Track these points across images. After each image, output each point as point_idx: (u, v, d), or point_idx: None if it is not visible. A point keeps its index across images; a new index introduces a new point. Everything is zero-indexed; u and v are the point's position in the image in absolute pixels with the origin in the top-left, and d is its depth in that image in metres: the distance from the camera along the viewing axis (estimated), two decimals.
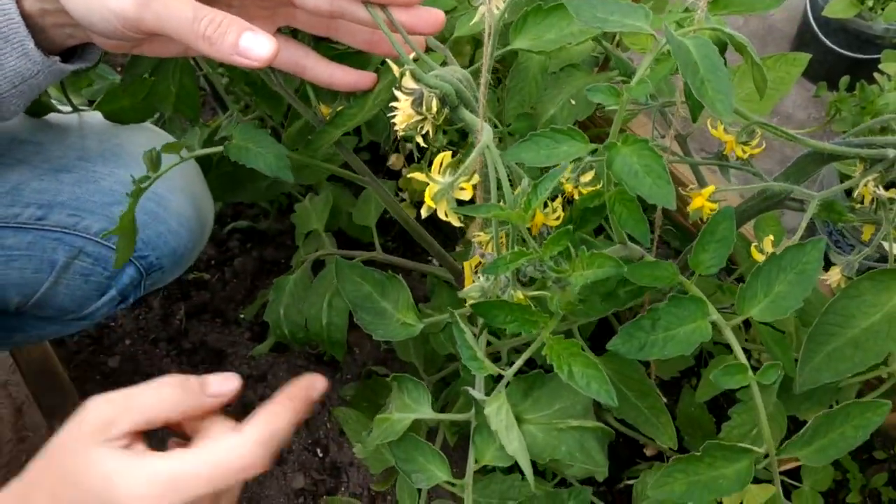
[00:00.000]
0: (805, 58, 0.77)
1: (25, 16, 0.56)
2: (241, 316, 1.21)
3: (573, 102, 0.72)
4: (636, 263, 0.57)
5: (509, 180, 0.50)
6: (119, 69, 1.38)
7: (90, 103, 0.86)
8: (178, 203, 0.81)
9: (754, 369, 0.55)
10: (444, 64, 0.57)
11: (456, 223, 0.49)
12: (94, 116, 0.84)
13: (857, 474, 0.98)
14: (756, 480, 0.61)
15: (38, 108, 0.80)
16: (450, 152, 0.49)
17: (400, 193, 1.14)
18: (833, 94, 0.95)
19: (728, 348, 0.83)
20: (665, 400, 0.72)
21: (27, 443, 1.16)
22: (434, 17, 0.56)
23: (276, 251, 1.27)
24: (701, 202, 0.64)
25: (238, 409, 1.14)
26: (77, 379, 1.13)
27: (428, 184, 0.49)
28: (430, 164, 1.06)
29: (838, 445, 0.54)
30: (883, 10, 1.45)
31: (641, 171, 0.49)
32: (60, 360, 1.07)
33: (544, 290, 0.51)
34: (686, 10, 0.66)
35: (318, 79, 0.63)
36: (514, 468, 0.83)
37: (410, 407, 0.60)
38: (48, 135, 0.80)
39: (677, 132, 0.73)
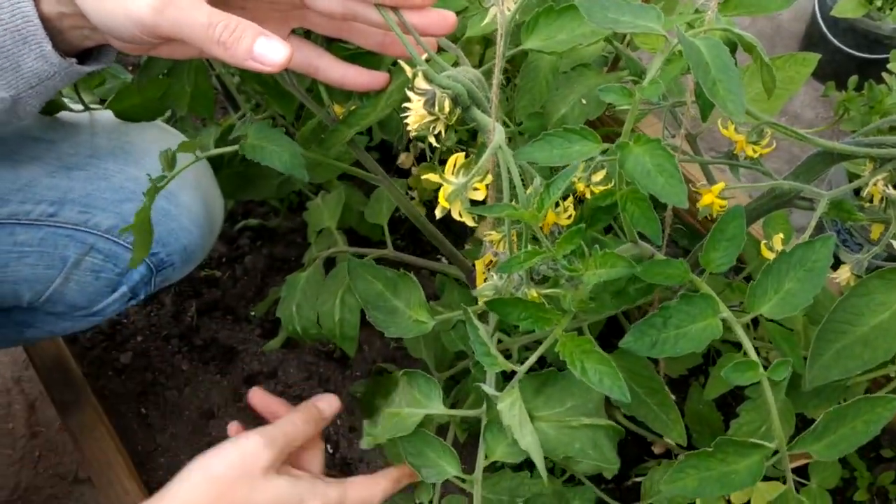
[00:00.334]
0: (814, 58, 0.77)
1: (44, 18, 0.56)
2: (252, 313, 1.22)
3: (584, 102, 0.73)
4: (647, 262, 0.58)
5: (521, 180, 0.50)
6: (131, 68, 1.39)
7: (101, 102, 0.87)
8: (188, 200, 0.81)
9: (764, 367, 0.55)
10: (455, 64, 0.57)
11: (470, 223, 0.49)
12: (105, 114, 0.85)
13: (865, 472, 0.98)
14: (765, 478, 0.61)
15: (51, 107, 0.81)
16: (463, 153, 0.50)
17: (409, 192, 1.14)
18: (841, 94, 0.95)
19: (736, 346, 0.83)
20: (674, 397, 0.73)
21: (40, 438, 1.17)
22: (446, 18, 0.57)
23: (286, 249, 1.28)
24: (711, 199, 0.65)
25: (250, 405, 1.15)
26: (90, 375, 1.15)
27: (439, 183, 0.50)
28: (440, 163, 1.07)
29: (849, 440, 0.55)
30: (891, 9, 1.45)
31: (654, 170, 0.50)
32: (73, 357, 1.07)
33: (557, 289, 0.52)
34: (696, 10, 0.66)
35: (331, 79, 0.64)
36: (523, 465, 0.83)
37: (421, 402, 0.60)
38: (60, 132, 0.81)
39: (687, 132, 0.74)
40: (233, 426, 0.76)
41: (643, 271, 0.54)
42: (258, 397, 0.77)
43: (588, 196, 0.63)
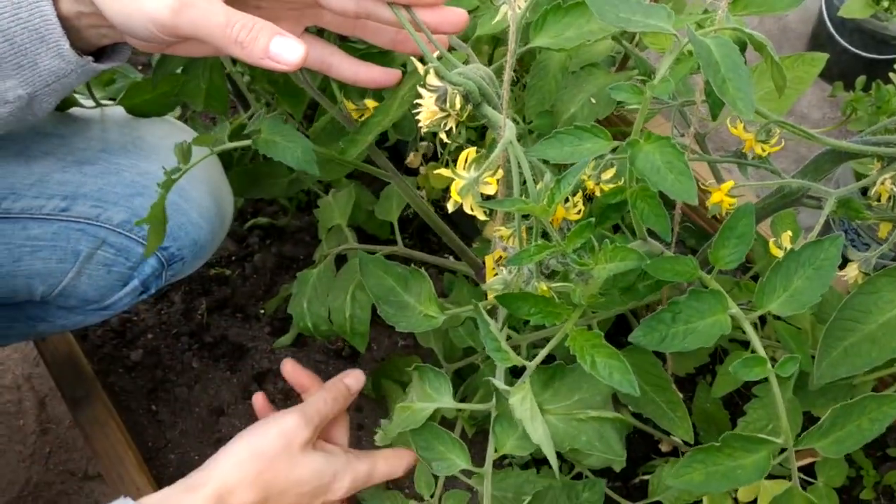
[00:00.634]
0: (823, 58, 0.78)
1: (62, 17, 0.57)
2: (262, 311, 1.22)
3: (593, 101, 0.73)
4: (657, 258, 0.58)
5: (532, 175, 0.51)
6: (140, 67, 1.40)
7: (111, 101, 0.88)
8: (199, 195, 0.82)
9: (771, 365, 0.56)
10: (466, 62, 0.58)
11: (482, 217, 0.50)
12: (116, 110, 0.85)
13: (871, 471, 0.98)
14: (771, 476, 0.61)
15: (63, 103, 0.82)
16: (474, 148, 0.50)
17: (418, 191, 1.15)
18: (849, 94, 0.96)
19: (744, 345, 0.84)
20: (681, 396, 0.73)
21: (50, 434, 1.18)
22: (458, 16, 0.57)
23: (294, 247, 1.29)
24: (720, 197, 0.65)
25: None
26: (100, 372, 1.15)
27: (447, 182, 0.50)
28: (448, 162, 1.08)
29: (855, 437, 0.55)
30: None
31: (664, 167, 0.50)
32: (84, 353, 1.08)
33: (567, 283, 0.52)
34: (706, 10, 0.67)
35: (344, 76, 0.65)
36: (528, 464, 0.84)
37: (432, 396, 0.61)
38: (71, 128, 0.82)
39: (696, 131, 0.74)
40: (258, 397, 0.82)
41: (652, 267, 0.54)
42: (290, 368, 0.82)
43: (597, 194, 0.63)
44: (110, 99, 0.88)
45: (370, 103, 0.75)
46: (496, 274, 0.58)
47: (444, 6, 0.56)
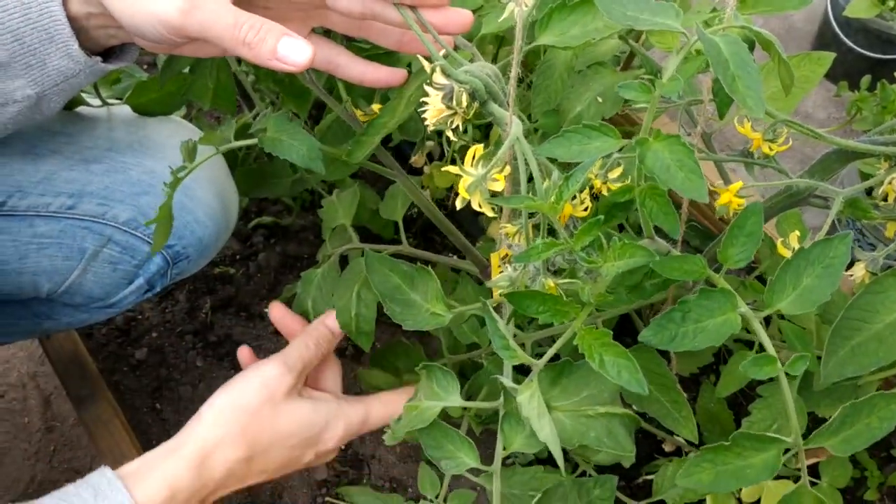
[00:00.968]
0: (829, 57, 0.78)
1: (71, 18, 0.58)
2: (266, 310, 1.23)
3: (599, 100, 0.73)
4: (665, 257, 0.58)
5: (539, 172, 0.51)
6: (146, 67, 1.40)
7: (118, 100, 0.88)
8: (204, 194, 0.82)
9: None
10: (472, 61, 0.58)
11: (490, 213, 0.50)
12: (122, 109, 0.86)
13: (875, 472, 0.98)
14: (776, 477, 0.61)
15: (70, 102, 0.82)
16: (481, 145, 0.51)
17: (422, 191, 1.15)
18: (854, 94, 0.96)
19: (748, 345, 0.84)
20: (685, 395, 0.73)
21: (55, 432, 1.18)
22: (463, 17, 0.58)
23: (298, 247, 1.29)
24: (728, 197, 0.65)
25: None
26: (105, 370, 1.15)
27: (452, 181, 0.50)
28: (453, 161, 1.07)
29: (864, 436, 0.55)
30: None
31: (674, 165, 0.50)
32: (89, 352, 1.08)
33: (575, 280, 0.52)
34: (714, 9, 0.67)
35: (351, 76, 0.65)
36: (534, 462, 0.84)
37: (439, 395, 0.61)
38: (79, 126, 0.82)
39: (702, 130, 0.74)
40: (244, 350, 0.78)
41: (661, 266, 0.54)
42: (278, 312, 0.80)
43: (604, 193, 0.63)
44: (117, 98, 0.88)
45: (377, 108, 0.76)
46: (502, 272, 0.57)
47: (449, 7, 0.56)
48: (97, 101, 0.85)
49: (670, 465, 0.78)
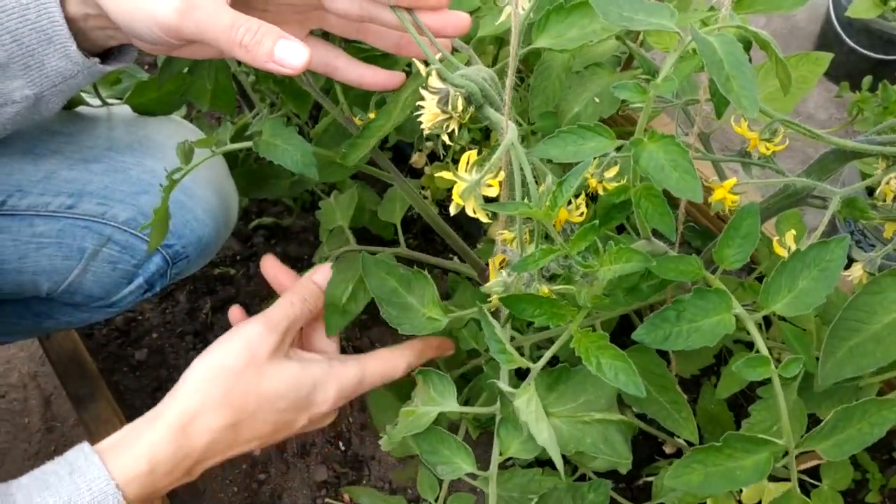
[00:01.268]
0: (827, 57, 0.77)
1: (69, 19, 0.58)
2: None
3: (597, 101, 0.73)
4: (661, 258, 0.58)
5: (534, 177, 0.51)
6: (147, 67, 1.40)
7: (118, 100, 0.88)
8: (203, 194, 0.82)
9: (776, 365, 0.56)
10: (468, 64, 0.58)
11: (485, 219, 0.50)
12: (122, 109, 0.86)
13: (877, 474, 0.98)
14: (775, 479, 0.61)
15: (70, 101, 0.82)
16: (475, 150, 0.50)
17: (422, 192, 1.15)
18: (855, 95, 0.95)
19: (749, 347, 0.83)
20: (685, 397, 0.73)
21: (55, 432, 1.18)
22: (460, 19, 0.58)
23: (299, 247, 1.29)
24: (723, 194, 0.65)
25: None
26: (105, 370, 1.15)
27: (451, 183, 0.50)
28: (453, 162, 1.07)
29: (855, 441, 0.55)
30: None
31: (668, 165, 0.50)
32: (89, 352, 1.08)
33: (571, 285, 0.52)
34: (711, 8, 0.67)
35: (349, 79, 0.65)
36: (533, 463, 0.84)
37: (436, 400, 0.61)
38: (79, 126, 0.82)
39: (700, 130, 0.74)
40: (235, 309, 0.75)
41: (657, 267, 0.54)
42: (270, 264, 0.77)
43: (601, 193, 0.63)
44: (117, 98, 0.88)
45: (373, 116, 0.76)
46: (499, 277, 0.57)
47: (446, 9, 0.56)
48: (97, 101, 0.85)
49: (669, 468, 0.78)
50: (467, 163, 0.49)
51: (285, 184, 1.05)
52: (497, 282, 0.53)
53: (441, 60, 0.52)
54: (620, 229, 0.88)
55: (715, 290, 0.55)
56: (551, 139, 0.52)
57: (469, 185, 0.49)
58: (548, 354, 0.54)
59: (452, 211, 0.49)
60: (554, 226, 0.51)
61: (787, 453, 0.57)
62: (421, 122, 0.52)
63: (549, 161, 0.56)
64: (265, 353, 0.63)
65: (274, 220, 1.30)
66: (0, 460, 1.14)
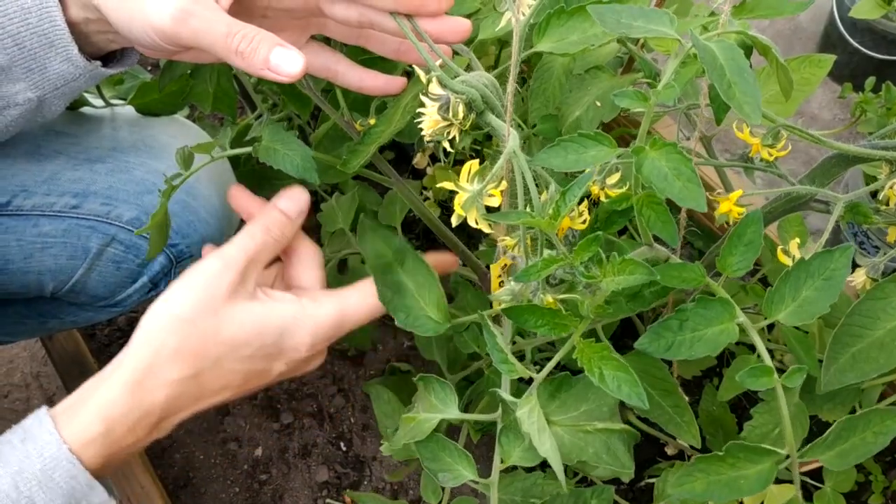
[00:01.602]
0: (830, 59, 0.77)
1: (70, 23, 0.58)
2: None
3: (598, 104, 0.73)
4: (664, 265, 0.58)
5: (536, 185, 0.50)
6: (150, 68, 1.40)
7: (121, 100, 0.88)
8: (207, 193, 0.83)
9: (777, 370, 0.55)
10: (468, 68, 0.58)
11: (487, 229, 0.50)
12: (126, 110, 0.86)
13: (880, 476, 0.98)
14: (778, 480, 0.61)
15: (74, 102, 0.83)
16: (477, 160, 0.50)
17: (424, 192, 1.14)
18: (858, 96, 0.95)
19: (751, 349, 0.83)
20: (688, 399, 0.73)
21: None
22: (460, 25, 0.57)
23: None
24: (728, 206, 0.65)
25: (264, 402, 1.16)
26: None
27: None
28: (456, 163, 1.07)
29: (859, 450, 0.55)
30: None
31: (671, 174, 0.50)
32: (91, 353, 1.09)
33: (574, 294, 0.52)
34: (712, 13, 0.66)
35: (349, 83, 0.65)
36: (535, 466, 0.83)
37: (437, 407, 0.61)
38: (83, 127, 0.82)
39: (702, 134, 0.74)
40: (207, 248, 0.65)
41: (660, 275, 0.54)
42: (238, 197, 0.67)
43: (603, 199, 0.63)
44: (121, 98, 0.88)
45: (373, 122, 0.75)
46: (501, 282, 0.57)
47: (446, 16, 0.56)
48: (100, 102, 0.85)
49: (671, 471, 0.78)
50: (469, 172, 0.49)
51: (288, 184, 1.05)
52: (504, 290, 0.53)
53: (441, 66, 0.52)
54: (622, 231, 0.88)
55: (719, 299, 0.55)
56: (552, 148, 0.52)
57: (471, 195, 0.48)
58: (550, 365, 0.54)
59: (454, 222, 0.49)
60: (556, 235, 0.50)
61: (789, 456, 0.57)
62: (422, 129, 0.52)
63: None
64: (222, 295, 0.56)
65: None
66: None
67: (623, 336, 1.02)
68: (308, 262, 0.64)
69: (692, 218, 1.05)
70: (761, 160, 0.69)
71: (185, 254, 0.83)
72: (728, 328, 0.55)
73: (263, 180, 1.05)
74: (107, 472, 0.56)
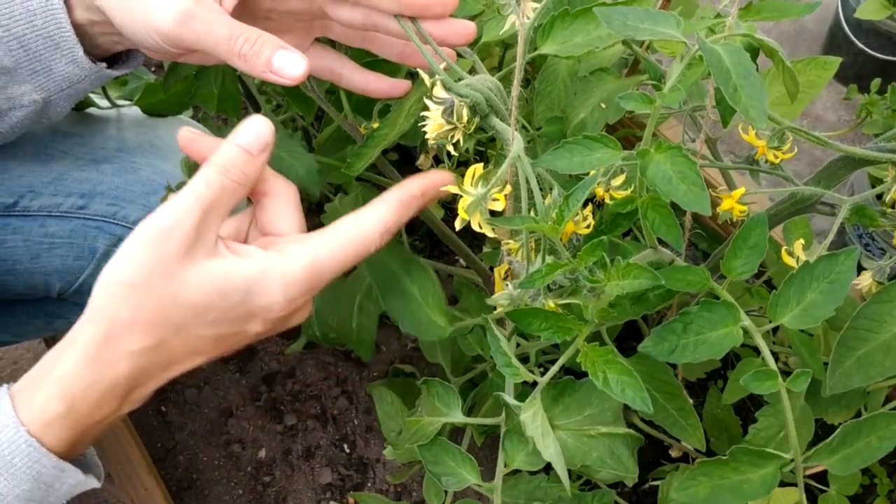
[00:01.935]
0: (835, 62, 0.77)
1: (76, 25, 0.58)
2: None
3: (603, 106, 0.72)
4: (668, 268, 0.58)
5: (539, 188, 0.50)
6: (154, 69, 1.40)
7: (128, 101, 0.89)
8: None
9: (781, 372, 0.55)
10: (472, 70, 0.57)
11: (491, 234, 0.49)
12: (132, 110, 0.87)
13: (885, 479, 0.97)
14: (782, 483, 0.61)
15: (80, 103, 0.83)
16: (481, 164, 0.50)
17: None
18: (864, 97, 0.94)
19: (756, 351, 0.83)
20: (692, 401, 0.73)
21: None
22: (464, 28, 0.57)
23: None
24: (731, 204, 0.64)
25: (268, 404, 1.16)
26: None
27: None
28: (459, 164, 1.06)
29: (863, 455, 0.54)
30: None
31: (676, 177, 0.49)
32: None
33: (577, 299, 0.52)
34: (718, 15, 0.66)
35: (354, 86, 0.65)
36: (540, 469, 0.83)
37: (441, 411, 0.60)
38: (90, 127, 0.83)
39: (707, 136, 0.73)
40: (184, 132, 0.55)
41: (664, 278, 0.53)
42: (186, 137, 0.56)
43: (608, 200, 0.63)
44: (126, 99, 0.89)
45: (377, 126, 0.75)
46: (504, 287, 0.57)
47: (450, 18, 0.56)
48: (105, 103, 0.85)
49: (675, 474, 0.77)
50: (473, 176, 0.49)
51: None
52: (503, 294, 0.53)
53: (445, 69, 0.52)
54: (626, 232, 0.88)
55: (723, 303, 0.55)
56: (557, 150, 0.52)
57: (475, 199, 0.48)
58: (553, 369, 0.53)
59: (458, 226, 0.49)
60: (560, 241, 0.50)
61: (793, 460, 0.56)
62: (425, 132, 0.52)
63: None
64: (175, 254, 0.49)
65: None
66: None
67: (627, 338, 1.02)
68: (282, 204, 0.56)
69: (697, 220, 1.05)
70: (767, 162, 0.68)
71: None
72: (732, 332, 0.54)
73: None
74: (81, 449, 0.52)
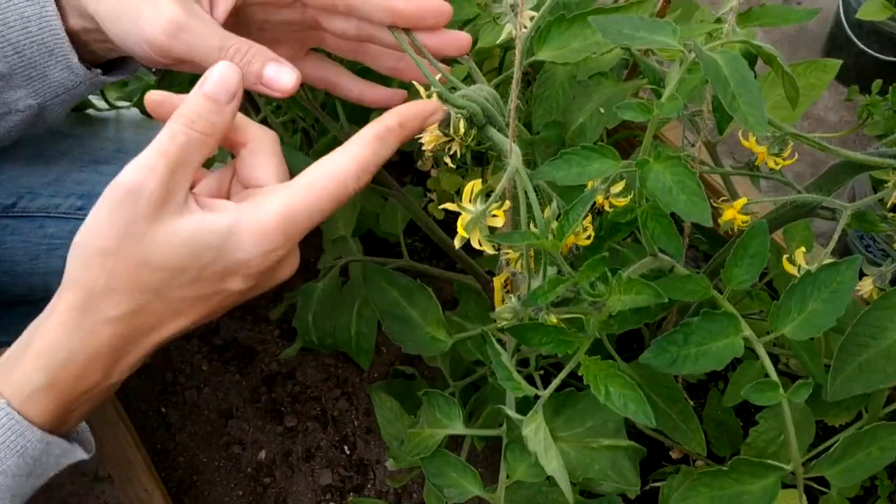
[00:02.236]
0: (835, 64, 0.76)
1: (70, 32, 0.58)
2: (269, 314, 1.23)
3: (602, 111, 0.72)
4: (668, 277, 0.57)
5: (538, 199, 0.50)
6: (155, 70, 1.40)
7: (126, 102, 0.89)
8: None
9: (782, 374, 0.55)
10: (468, 78, 0.57)
11: (491, 251, 0.49)
12: (131, 111, 0.87)
13: (886, 481, 0.97)
14: (783, 485, 0.61)
15: (79, 104, 0.83)
16: (479, 180, 0.50)
17: (428, 194, 1.14)
18: (865, 98, 0.94)
19: (756, 353, 0.83)
20: (692, 404, 0.73)
21: None
22: (460, 40, 0.56)
23: (305, 250, 1.28)
24: (732, 214, 0.64)
25: (268, 405, 1.15)
26: None
27: (459, 184, 0.50)
28: (459, 166, 1.06)
29: (865, 466, 0.54)
30: None
31: (675, 187, 0.49)
32: None
33: (578, 311, 0.51)
34: (718, 20, 0.65)
35: (349, 96, 0.65)
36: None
37: (442, 422, 0.60)
38: (88, 129, 0.83)
39: (707, 140, 0.73)
40: (150, 94, 0.52)
41: (664, 288, 0.53)
42: (154, 100, 0.52)
43: (607, 208, 0.62)
44: (126, 100, 0.89)
45: None
46: (507, 291, 0.57)
47: (445, 29, 0.56)
48: (103, 104, 0.86)
49: (675, 478, 0.77)
50: (471, 192, 0.49)
51: None
52: (506, 308, 0.53)
53: (441, 81, 0.51)
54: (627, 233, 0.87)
55: (724, 313, 0.55)
56: (555, 161, 0.51)
57: (474, 217, 0.48)
58: (555, 383, 0.53)
59: (457, 244, 0.48)
60: (560, 255, 0.50)
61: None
62: (422, 143, 0.52)
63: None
64: (144, 215, 0.47)
65: None
66: None
67: (627, 338, 1.02)
68: (260, 153, 0.52)
69: (697, 224, 1.05)
70: (768, 168, 0.68)
71: None
72: (733, 342, 0.54)
73: None
74: (71, 422, 0.51)
